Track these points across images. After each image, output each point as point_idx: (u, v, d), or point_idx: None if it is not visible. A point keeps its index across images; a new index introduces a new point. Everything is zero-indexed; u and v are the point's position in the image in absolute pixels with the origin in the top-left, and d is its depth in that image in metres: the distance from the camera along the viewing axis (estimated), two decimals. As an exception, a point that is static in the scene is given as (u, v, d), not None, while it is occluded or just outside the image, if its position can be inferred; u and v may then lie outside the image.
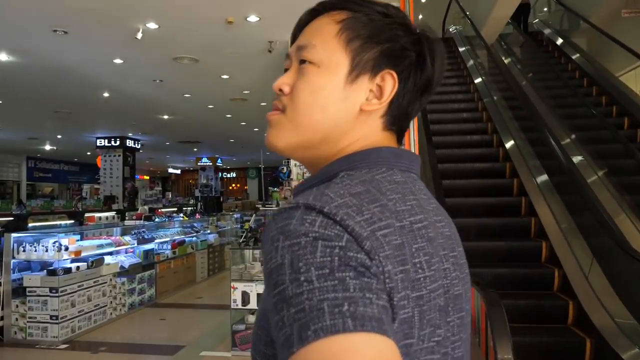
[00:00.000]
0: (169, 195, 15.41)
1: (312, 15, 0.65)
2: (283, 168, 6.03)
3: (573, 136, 5.55)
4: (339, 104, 0.60)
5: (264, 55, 6.13)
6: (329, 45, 0.60)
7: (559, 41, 8.52)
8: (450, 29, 10.32)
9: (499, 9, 7.52)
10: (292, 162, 5.81)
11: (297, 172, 5.78)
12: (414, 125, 3.76)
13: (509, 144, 5.55)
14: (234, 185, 24.88)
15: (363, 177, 0.55)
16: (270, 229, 0.49)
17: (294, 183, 5.76)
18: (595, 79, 6.89)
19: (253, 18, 5.09)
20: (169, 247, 7.06)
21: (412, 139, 3.56)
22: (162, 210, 8.79)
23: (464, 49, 8.93)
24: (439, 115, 6.62)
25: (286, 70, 0.65)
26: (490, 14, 7.68)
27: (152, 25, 5.22)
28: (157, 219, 7.47)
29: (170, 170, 24.14)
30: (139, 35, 5.29)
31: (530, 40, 8.54)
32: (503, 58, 8.06)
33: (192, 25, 5.25)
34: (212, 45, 5.89)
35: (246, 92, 8.32)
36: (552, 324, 3.48)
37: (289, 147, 0.62)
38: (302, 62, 0.61)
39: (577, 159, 4.91)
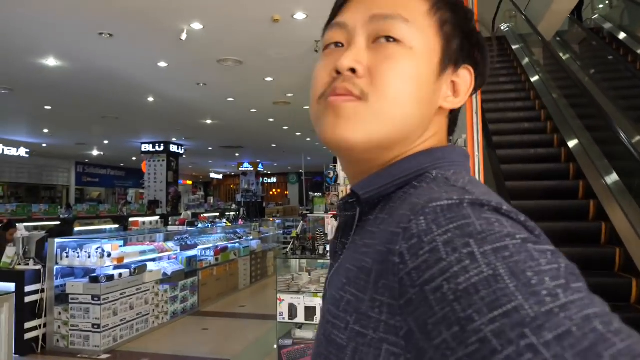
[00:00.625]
0: (211, 200, 15.52)
1: None
2: (330, 172, 5.75)
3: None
4: (430, 97, 0.51)
5: (310, 55, 5.89)
6: (422, 24, 0.50)
7: (622, 36, 7.88)
8: (502, 27, 9.87)
9: (560, 1, 7.01)
10: (339, 166, 5.54)
11: (344, 176, 5.51)
12: (478, 132, 3.26)
13: (579, 156, 4.89)
14: (274, 190, 24.88)
15: (460, 177, 0.47)
16: (429, 231, 0.38)
17: (341, 188, 5.48)
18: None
19: (300, 15, 4.85)
20: (212, 253, 6.90)
21: (476, 146, 3.10)
22: (205, 215, 8.69)
23: (517, 46, 8.44)
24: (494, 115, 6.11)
25: (333, 45, 0.53)
26: (549, 7, 7.19)
27: (196, 26, 5.07)
28: (199, 225, 7.34)
29: (212, 175, 24.42)
30: (184, 36, 5.15)
31: (593, 34, 7.94)
32: (561, 55, 7.49)
33: (237, 24, 5.06)
34: (256, 45, 5.69)
35: (290, 95, 8.12)
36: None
37: (369, 144, 0.49)
38: (386, 38, 0.49)
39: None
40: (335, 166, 5.66)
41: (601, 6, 9.57)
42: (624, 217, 3.92)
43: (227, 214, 9.59)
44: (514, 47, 8.51)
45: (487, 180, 3.95)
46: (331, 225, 4.72)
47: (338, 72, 0.49)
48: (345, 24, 0.51)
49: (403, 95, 0.49)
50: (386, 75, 0.48)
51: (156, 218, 9.12)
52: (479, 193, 0.41)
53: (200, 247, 6.70)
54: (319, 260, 4.50)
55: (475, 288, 0.33)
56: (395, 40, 0.49)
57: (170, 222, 8.21)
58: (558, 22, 7.79)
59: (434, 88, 0.51)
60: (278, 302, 4.23)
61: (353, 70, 0.49)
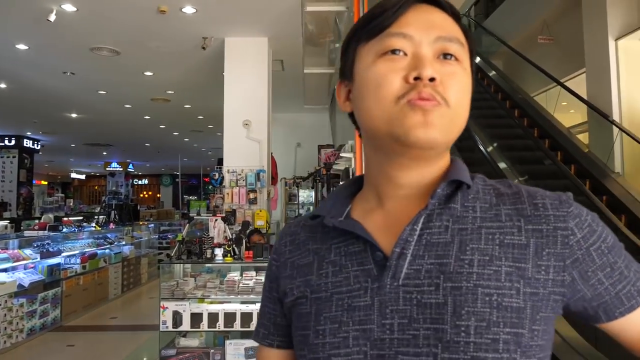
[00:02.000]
0: (71, 202, 14.05)
1: (434, 3, 0.59)
2: (215, 174, 5.57)
3: (495, 144, 5.86)
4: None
5: (196, 52, 5.68)
6: (466, 49, 0.60)
7: (477, 60, 9.03)
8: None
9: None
10: (225, 168, 5.43)
11: (229, 179, 5.42)
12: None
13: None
14: (145, 192, 23.30)
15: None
16: (580, 214, 0.58)
17: (227, 190, 5.37)
18: (509, 93, 7.51)
19: (189, 9, 4.64)
20: (78, 260, 6.22)
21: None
22: (71, 219, 7.81)
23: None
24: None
25: (390, 52, 0.57)
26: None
27: (68, 7, 4.54)
28: (64, 229, 6.57)
29: (74, 175, 22.04)
30: (52, 17, 4.58)
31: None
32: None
33: (117, 10, 4.66)
34: (138, 36, 5.30)
35: (170, 92, 7.72)
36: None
37: (447, 143, 0.59)
38: (449, 56, 0.57)
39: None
40: (220, 168, 5.51)
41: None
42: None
43: (96, 217, 8.74)
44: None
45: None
46: (217, 228, 4.55)
47: (415, 78, 0.55)
48: (412, 37, 0.57)
49: (464, 104, 0.58)
50: (453, 87, 0.56)
51: (5, 222, 7.93)
52: None
53: (64, 254, 6.01)
54: (206, 265, 4.33)
55: (613, 244, 0.59)
56: (456, 58, 0.57)
57: (23, 227, 7.21)
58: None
59: None
60: (161, 310, 3.97)
61: (431, 79, 0.55)
